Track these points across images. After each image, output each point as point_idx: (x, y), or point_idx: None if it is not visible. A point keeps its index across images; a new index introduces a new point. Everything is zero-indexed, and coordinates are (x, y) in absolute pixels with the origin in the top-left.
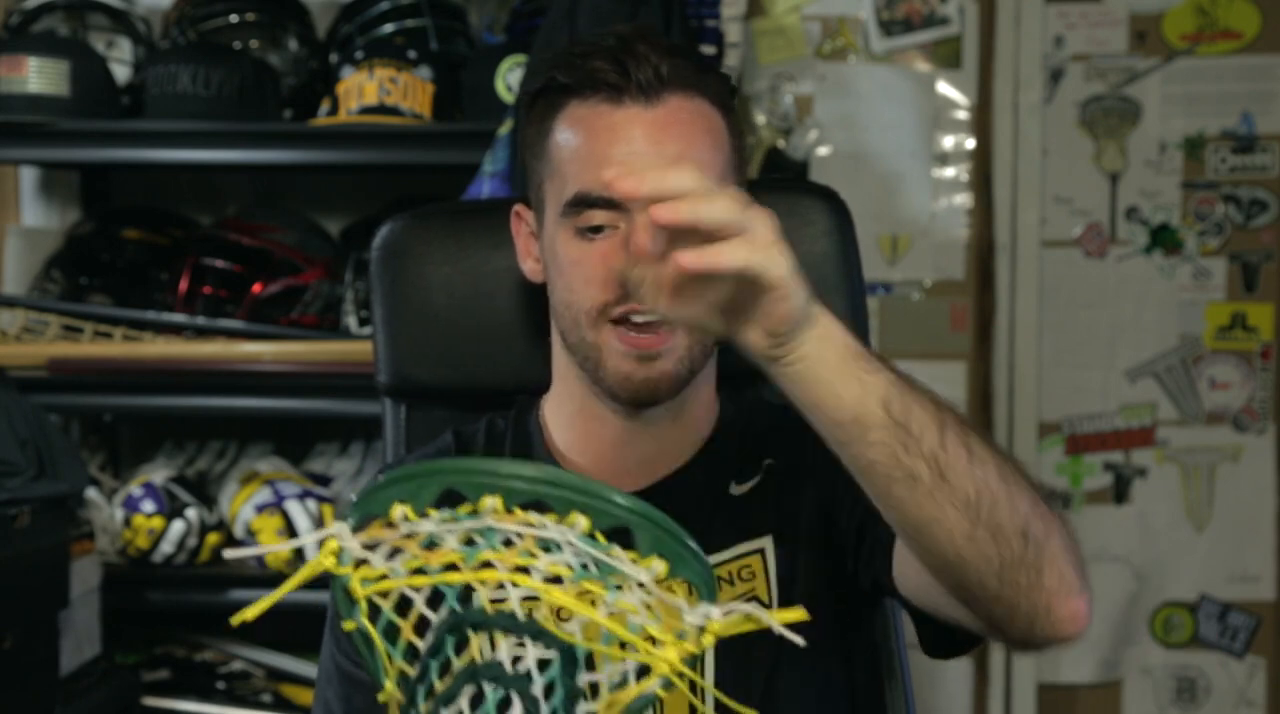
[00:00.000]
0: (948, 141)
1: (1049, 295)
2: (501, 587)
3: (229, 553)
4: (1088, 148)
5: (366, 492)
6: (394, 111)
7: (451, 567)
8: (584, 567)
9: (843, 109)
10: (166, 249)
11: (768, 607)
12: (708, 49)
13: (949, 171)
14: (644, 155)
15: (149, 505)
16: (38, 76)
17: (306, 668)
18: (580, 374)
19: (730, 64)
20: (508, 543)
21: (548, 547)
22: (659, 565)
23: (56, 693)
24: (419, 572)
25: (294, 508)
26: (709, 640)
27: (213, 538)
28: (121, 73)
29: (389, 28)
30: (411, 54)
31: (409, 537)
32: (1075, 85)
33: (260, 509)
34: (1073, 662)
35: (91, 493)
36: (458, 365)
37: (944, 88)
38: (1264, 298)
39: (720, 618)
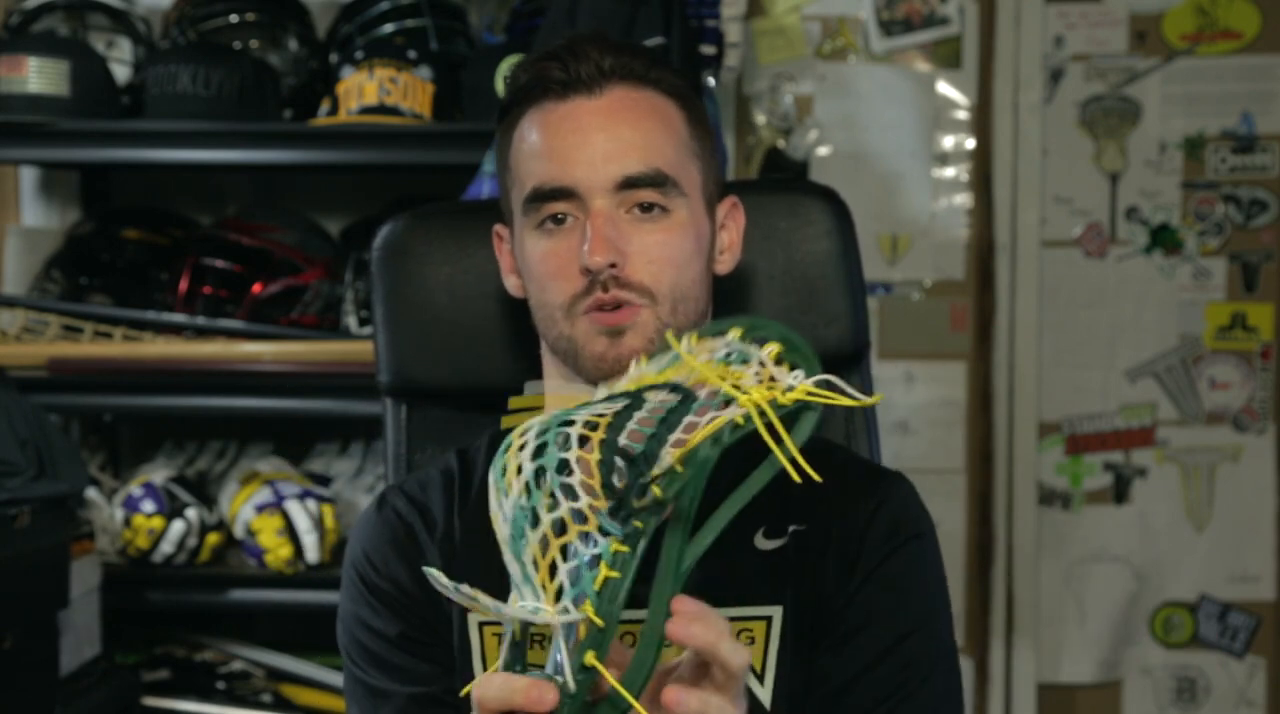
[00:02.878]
0: (948, 141)
1: (1049, 295)
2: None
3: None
4: (1088, 148)
5: None
6: (394, 111)
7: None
8: (728, 356)
9: (843, 109)
10: (166, 249)
11: (759, 679)
12: (708, 49)
13: (949, 171)
14: (589, 143)
15: (149, 505)
16: (38, 76)
17: (306, 668)
18: (565, 375)
19: (730, 64)
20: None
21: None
22: (773, 347)
23: (56, 693)
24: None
25: (294, 508)
26: (790, 397)
27: (213, 538)
28: (121, 73)
29: (389, 28)
30: (411, 54)
31: None
32: (1075, 85)
33: (260, 509)
34: (1073, 662)
35: (91, 493)
36: (458, 365)
37: (944, 88)
38: (1264, 298)
39: (808, 383)
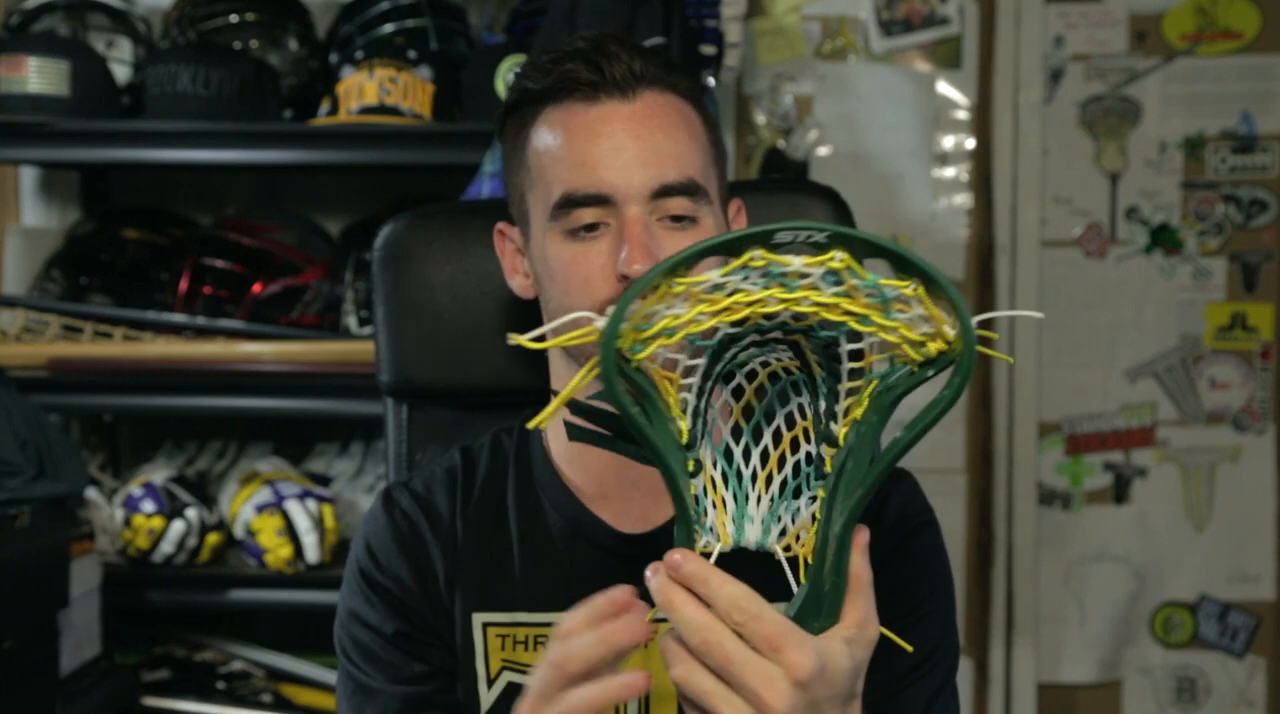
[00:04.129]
0: (948, 141)
1: (1049, 295)
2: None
3: None
4: (1088, 148)
5: (635, 283)
6: (394, 111)
7: (724, 312)
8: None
9: (843, 109)
10: (166, 249)
11: None
12: (708, 49)
13: (949, 171)
14: (626, 149)
15: (149, 505)
16: (38, 76)
17: (306, 668)
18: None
19: (730, 64)
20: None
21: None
22: (917, 283)
23: (56, 693)
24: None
25: (294, 508)
26: (936, 347)
27: (213, 538)
28: (121, 73)
29: (389, 28)
30: (411, 54)
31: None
32: (1075, 85)
33: (260, 509)
34: (1073, 662)
35: (91, 493)
36: (460, 365)
37: (944, 88)
38: (1264, 298)
39: (951, 332)
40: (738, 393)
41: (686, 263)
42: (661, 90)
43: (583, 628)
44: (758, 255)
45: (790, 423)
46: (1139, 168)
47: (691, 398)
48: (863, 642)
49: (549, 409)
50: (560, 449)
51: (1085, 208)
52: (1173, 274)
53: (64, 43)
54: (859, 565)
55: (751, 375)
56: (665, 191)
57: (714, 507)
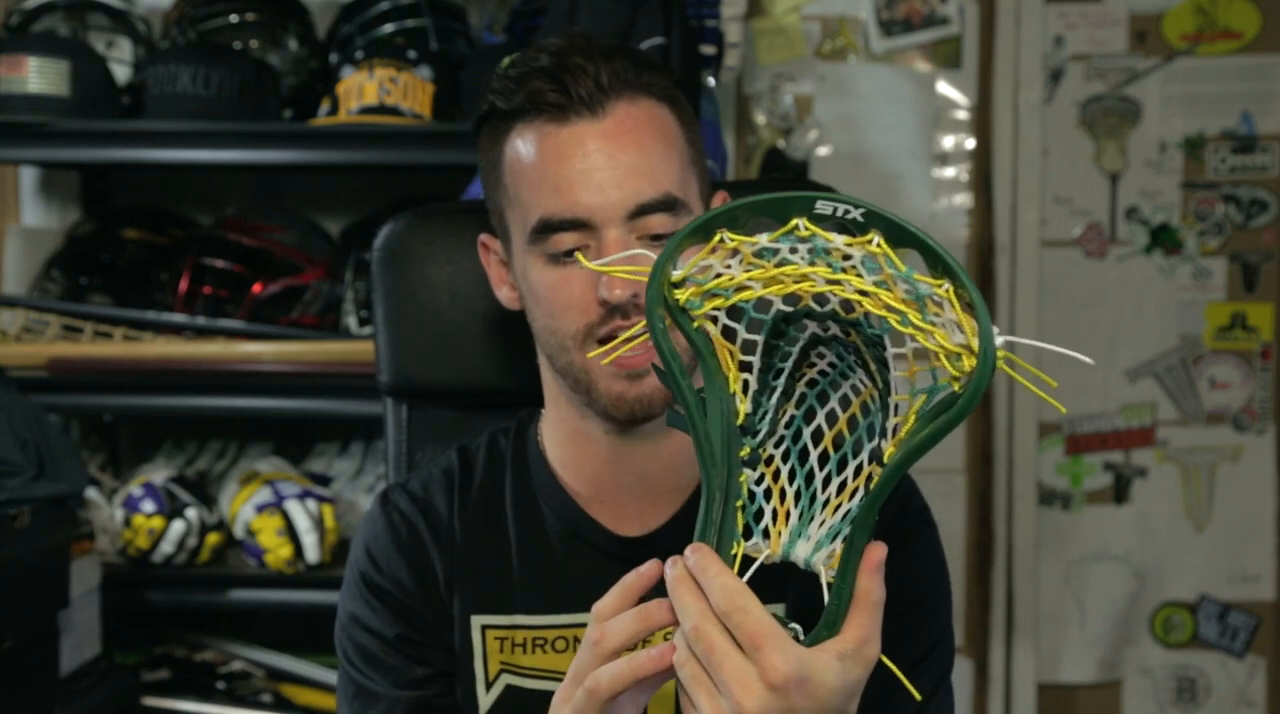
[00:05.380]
0: (948, 141)
1: (1049, 295)
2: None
3: None
4: (1088, 148)
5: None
6: (394, 111)
7: (773, 281)
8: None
9: (843, 109)
10: (166, 249)
11: None
12: (708, 49)
13: (949, 171)
14: (600, 171)
15: (149, 505)
16: (38, 76)
17: (306, 668)
18: (570, 396)
19: (730, 64)
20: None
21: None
22: (948, 283)
23: (56, 693)
24: (741, 289)
25: (294, 508)
26: (971, 362)
27: (213, 538)
28: (121, 73)
29: (389, 28)
30: (411, 54)
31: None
32: (1075, 85)
33: (260, 509)
34: (1073, 661)
35: (91, 493)
36: (459, 365)
37: (944, 88)
38: (1264, 298)
39: (999, 343)
40: (831, 418)
41: (736, 216)
42: (633, 97)
43: (617, 606)
44: (802, 224)
45: (873, 457)
46: (1139, 168)
47: (753, 380)
48: (860, 660)
49: (614, 345)
50: (556, 452)
51: (1085, 208)
52: (1173, 274)
53: (64, 43)
54: (870, 583)
55: (845, 400)
56: (643, 210)
57: (772, 514)
